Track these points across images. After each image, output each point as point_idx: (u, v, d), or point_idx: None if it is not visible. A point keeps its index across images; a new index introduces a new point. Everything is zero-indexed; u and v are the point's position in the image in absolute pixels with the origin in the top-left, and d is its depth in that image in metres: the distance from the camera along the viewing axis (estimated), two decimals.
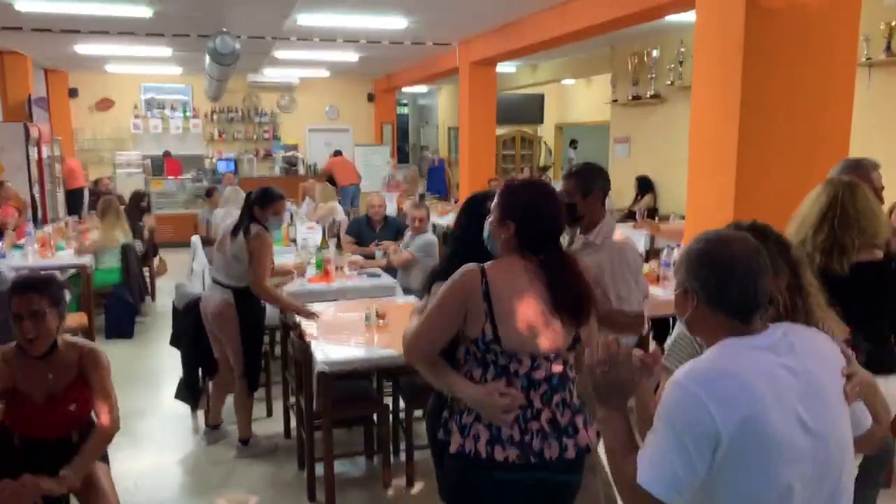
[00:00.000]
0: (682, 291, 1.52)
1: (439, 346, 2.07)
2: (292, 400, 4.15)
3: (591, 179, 2.93)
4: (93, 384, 2.61)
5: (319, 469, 3.53)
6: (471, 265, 2.03)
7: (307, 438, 3.58)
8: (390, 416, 4.05)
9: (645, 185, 9.25)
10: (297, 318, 4.01)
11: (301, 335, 3.73)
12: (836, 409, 1.48)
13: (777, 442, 1.37)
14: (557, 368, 2.03)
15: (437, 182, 13.60)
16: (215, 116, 13.71)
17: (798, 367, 1.44)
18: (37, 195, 9.20)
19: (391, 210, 8.70)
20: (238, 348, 3.96)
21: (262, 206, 3.97)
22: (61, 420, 2.58)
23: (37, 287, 2.48)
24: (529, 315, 1.97)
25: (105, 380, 2.65)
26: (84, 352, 2.64)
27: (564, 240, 3.07)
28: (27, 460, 2.52)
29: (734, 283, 1.45)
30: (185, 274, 7.40)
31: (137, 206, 8.06)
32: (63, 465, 2.47)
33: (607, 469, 1.62)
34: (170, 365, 5.22)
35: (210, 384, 4.45)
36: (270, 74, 12.93)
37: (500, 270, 2.02)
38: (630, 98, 9.46)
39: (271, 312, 4.98)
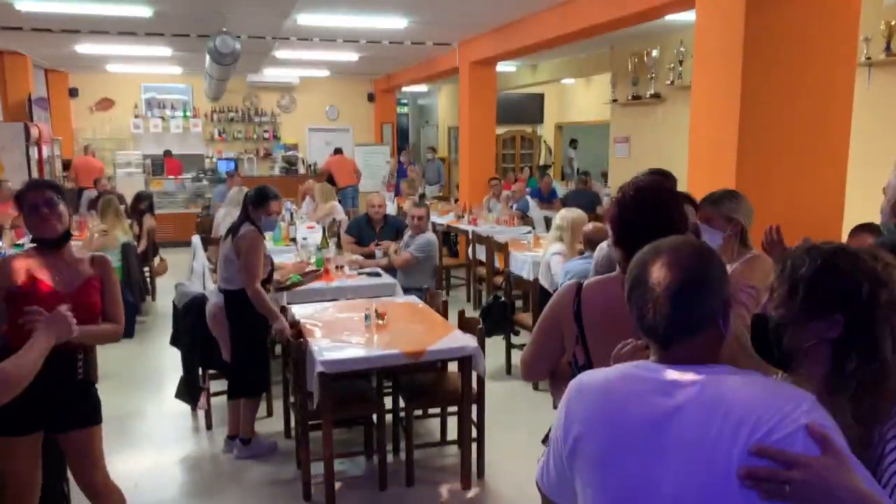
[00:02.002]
0: None
1: (544, 365, 1.99)
2: (292, 399, 4.15)
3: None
4: (105, 288, 2.68)
5: (318, 468, 3.53)
6: (571, 282, 1.94)
7: (303, 438, 3.58)
8: (390, 415, 4.06)
9: None
10: (297, 318, 4.01)
11: (300, 334, 3.73)
12: (705, 478, 1.11)
13: (604, 474, 1.23)
14: None
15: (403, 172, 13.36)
16: (215, 116, 13.71)
17: (682, 416, 1.15)
18: None
19: (391, 210, 8.71)
20: (230, 352, 3.92)
21: (256, 206, 3.93)
22: (87, 320, 2.53)
23: (49, 184, 2.67)
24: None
25: (116, 285, 2.75)
26: (96, 257, 2.75)
27: None
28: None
29: (637, 303, 1.27)
30: (185, 274, 7.40)
31: (141, 207, 8.08)
32: (66, 390, 2.57)
33: None
34: (170, 365, 5.21)
35: (211, 385, 4.45)
36: (270, 74, 12.93)
37: (597, 290, 1.87)
38: (630, 98, 9.46)
39: None
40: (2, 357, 1.87)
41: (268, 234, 6.69)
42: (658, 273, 1.24)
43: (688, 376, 1.19)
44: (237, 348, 3.93)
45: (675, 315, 1.22)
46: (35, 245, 2.65)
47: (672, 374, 1.21)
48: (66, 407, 2.58)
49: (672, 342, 1.24)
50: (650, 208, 1.80)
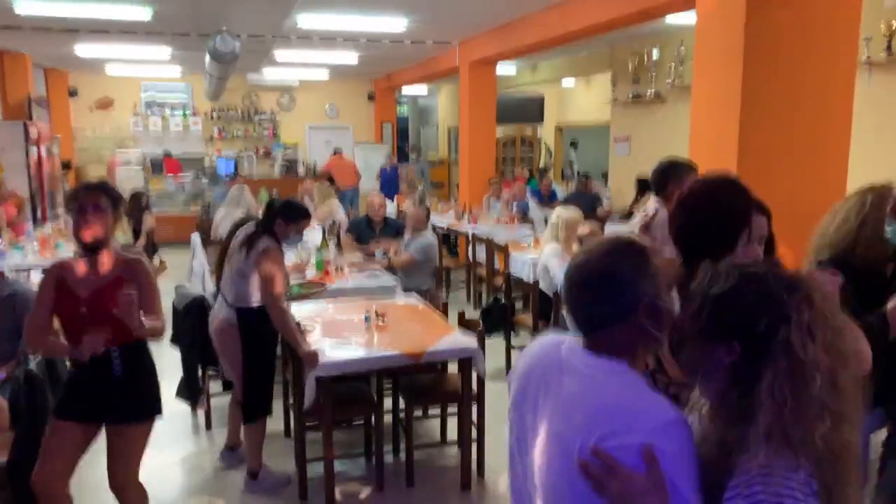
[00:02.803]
0: None
1: None
2: (291, 399, 4.14)
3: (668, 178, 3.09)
4: (139, 288, 2.68)
5: (318, 468, 3.53)
6: None
7: (300, 438, 3.58)
8: (390, 416, 4.05)
9: (645, 186, 9.24)
10: (297, 318, 3.99)
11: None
12: (562, 458, 1.22)
13: (515, 416, 1.41)
14: None
15: (390, 184, 12.73)
16: (215, 115, 13.71)
17: (561, 394, 1.29)
18: (36, 194, 9.20)
19: (391, 210, 8.70)
20: (238, 372, 3.61)
21: (288, 220, 3.61)
22: (103, 322, 2.61)
23: (102, 187, 2.75)
24: None
25: (150, 285, 2.79)
26: (130, 259, 2.80)
27: None
28: (70, 384, 2.82)
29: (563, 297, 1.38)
30: (184, 274, 7.39)
31: (138, 205, 8.06)
32: (104, 394, 2.75)
33: None
34: (170, 364, 5.20)
35: (210, 383, 4.45)
36: (270, 75, 12.92)
37: None
38: (630, 98, 9.46)
39: None
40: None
41: None
42: (570, 271, 1.33)
43: (581, 363, 1.28)
44: (249, 368, 3.60)
45: (576, 310, 1.31)
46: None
47: (571, 357, 1.31)
48: (108, 402, 2.77)
49: (584, 333, 1.31)
50: (700, 210, 1.77)
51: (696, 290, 1.25)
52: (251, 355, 3.59)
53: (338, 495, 3.50)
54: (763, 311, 1.16)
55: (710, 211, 1.76)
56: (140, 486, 2.89)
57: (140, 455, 2.86)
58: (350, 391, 3.71)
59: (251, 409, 3.65)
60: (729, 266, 1.24)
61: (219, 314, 3.67)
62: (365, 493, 3.71)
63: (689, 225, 1.78)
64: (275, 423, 4.48)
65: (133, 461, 2.83)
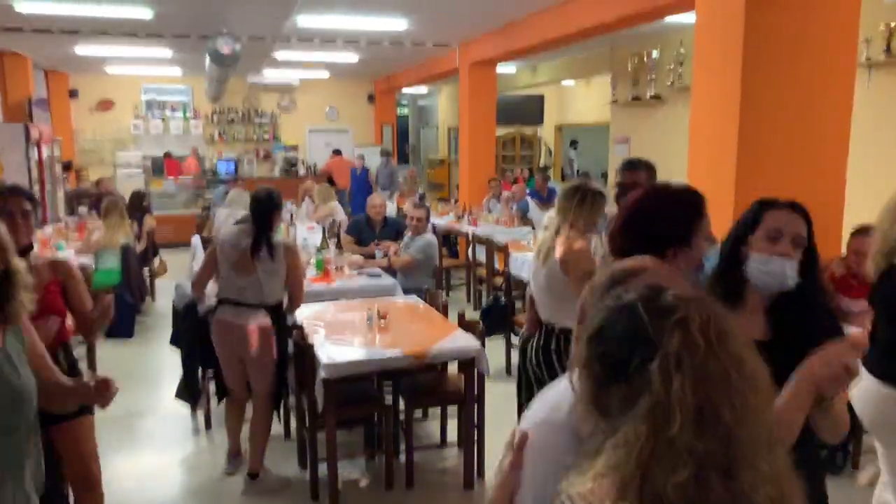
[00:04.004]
0: None
1: None
2: (292, 400, 4.13)
3: (656, 176, 2.99)
4: (68, 288, 2.70)
5: (321, 469, 3.53)
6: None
7: (310, 439, 3.58)
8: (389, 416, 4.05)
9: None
10: (299, 318, 4.00)
11: (303, 336, 3.73)
12: None
13: None
14: None
15: (361, 188, 12.10)
16: (215, 117, 13.72)
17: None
18: (37, 195, 9.20)
19: (391, 210, 8.71)
20: (272, 369, 3.67)
21: (278, 209, 3.70)
22: (43, 335, 2.50)
23: (25, 193, 2.72)
24: None
25: (79, 284, 2.76)
26: (55, 262, 2.78)
27: None
28: None
29: None
30: (184, 274, 7.39)
31: (140, 206, 8.07)
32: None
33: None
34: (170, 365, 5.21)
35: (210, 386, 4.45)
36: (270, 75, 12.94)
37: None
38: (630, 98, 9.46)
39: None
40: None
41: None
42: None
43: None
44: (281, 361, 3.70)
45: None
46: None
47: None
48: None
49: None
50: (653, 200, 1.95)
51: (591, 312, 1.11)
52: (282, 348, 3.71)
53: (341, 496, 3.50)
54: (632, 347, 0.98)
55: (662, 199, 1.87)
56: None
57: (96, 447, 2.82)
58: (356, 391, 3.71)
59: (278, 399, 3.82)
60: (614, 296, 1.07)
61: (250, 319, 3.58)
62: (370, 493, 3.71)
63: (640, 213, 1.87)
64: (281, 423, 4.50)
65: (94, 453, 2.81)
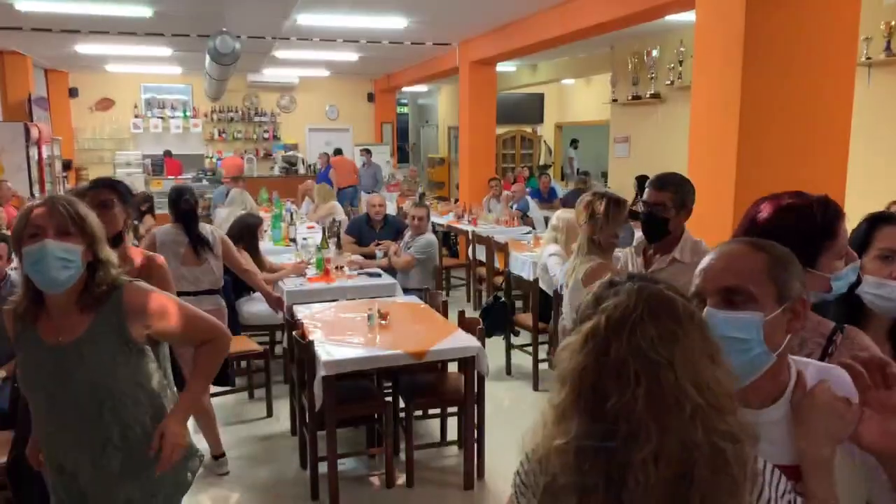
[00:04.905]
0: None
1: None
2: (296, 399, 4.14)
3: (686, 193, 2.67)
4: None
5: (322, 468, 3.53)
6: None
7: (310, 438, 3.59)
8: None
9: (645, 185, 9.25)
10: (299, 318, 4.01)
11: (304, 335, 3.73)
12: None
13: None
14: None
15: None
16: (215, 116, 13.71)
17: None
18: (37, 195, 9.20)
19: (391, 210, 8.71)
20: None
21: (192, 206, 4.02)
22: None
23: (107, 184, 2.78)
24: None
25: (164, 282, 2.68)
26: (147, 255, 2.80)
27: (632, 258, 2.88)
28: None
29: None
30: None
31: (138, 208, 8.07)
32: None
33: None
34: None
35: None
36: (270, 74, 12.93)
37: None
38: (630, 98, 9.46)
39: (270, 312, 4.98)
40: None
41: (268, 235, 6.74)
42: None
43: None
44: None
45: None
46: None
47: None
48: None
49: None
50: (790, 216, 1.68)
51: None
52: (233, 327, 4.25)
53: (342, 494, 3.50)
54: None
55: (788, 213, 1.64)
56: None
57: None
58: (356, 390, 3.72)
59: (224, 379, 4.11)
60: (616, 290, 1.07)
61: (209, 304, 3.85)
62: (371, 491, 3.72)
63: (760, 228, 1.63)
64: (275, 423, 4.50)
65: None
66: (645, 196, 2.81)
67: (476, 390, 3.69)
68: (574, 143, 14.57)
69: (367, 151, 12.53)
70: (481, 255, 7.20)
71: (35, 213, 1.82)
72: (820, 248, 1.58)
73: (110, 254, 1.93)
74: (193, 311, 2.07)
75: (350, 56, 10.43)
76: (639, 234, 2.91)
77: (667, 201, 2.65)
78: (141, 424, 1.95)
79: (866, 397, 1.19)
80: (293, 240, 6.81)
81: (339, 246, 5.89)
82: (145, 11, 6.97)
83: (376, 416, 3.91)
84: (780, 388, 1.25)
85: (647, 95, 9.13)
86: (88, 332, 1.88)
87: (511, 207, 8.77)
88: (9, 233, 6.69)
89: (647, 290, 1.02)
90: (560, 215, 5.13)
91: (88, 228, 1.86)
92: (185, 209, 3.98)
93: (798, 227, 1.59)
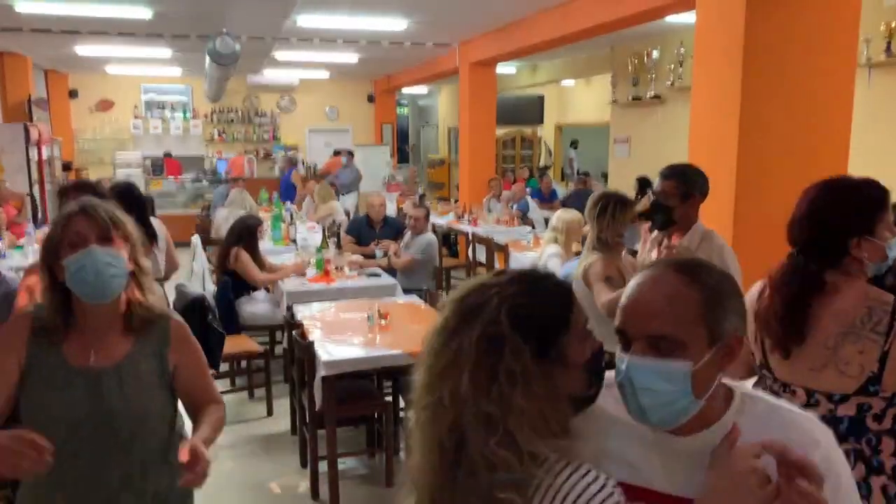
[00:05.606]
0: None
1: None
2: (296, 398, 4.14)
3: (693, 183, 2.76)
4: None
5: (322, 467, 3.53)
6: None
7: (310, 438, 3.59)
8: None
9: (645, 186, 9.23)
10: (300, 317, 4.00)
11: (304, 335, 3.74)
12: None
13: None
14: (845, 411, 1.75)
15: (287, 189, 11.22)
16: (215, 117, 13.71)
17: None
18: (37, 195, 9.21)
19: (391, 210, 8.72)
20: None
21: (142, 203, 4.07)
22: None
23: (80, 186, 2.89)
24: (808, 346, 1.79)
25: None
26: None
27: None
28: None
29: None
30: (185, 274, 7.39)
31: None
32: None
33: None
34: None
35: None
36: (270, 75, 12.93)
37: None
38: (630, 99, 9.47)
39: (270, 312, 4.99)
40: None
41: (268, 234, 6.75)
42: None
43: None
44: None
45: None
46: None
47: None
48: None
49: None
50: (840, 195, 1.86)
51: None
52: None
53: (342, 494, 3.50)
54: None
55: (847, 189, 1.82)
56: None
57: None
58: (357, 389, 3.72)
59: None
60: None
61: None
62: (371, 491, 3.72)
63: (824, 203, 1.81)
64: (275, 422, 4.51)
65: None
66: (654, 185, 2.91)
67: None
68: (574, 143, 14.57)
69: (350, 153, 12.21)
70: (481, 255, 7.21)
71: (73, 221, 1.65)
72: (875, 219, 1.76)
73: (147, 262, 1.80)
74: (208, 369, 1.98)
75: (350, 57, 10.43)
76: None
77: (671, 190, 2.73)
78: (161, 466, 1.77)
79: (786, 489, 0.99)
80: (293, 240, 6.81)
81: (339, 246, 5.89)
82: (145, 13, 6.97)
83: (376, 416, 3.92)
84: (715, 414, 1.13)
85: (648, 96, 9.13)
86: (131, 356, 1.72)
87: (511, 208, 8.77)
88: (9, 232, 6.67)
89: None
90: (560, 216, 5.13)
91: (129, 234, 1.73)
92: (134, 205, 3.94)
93: (855, 198, 1.79)
